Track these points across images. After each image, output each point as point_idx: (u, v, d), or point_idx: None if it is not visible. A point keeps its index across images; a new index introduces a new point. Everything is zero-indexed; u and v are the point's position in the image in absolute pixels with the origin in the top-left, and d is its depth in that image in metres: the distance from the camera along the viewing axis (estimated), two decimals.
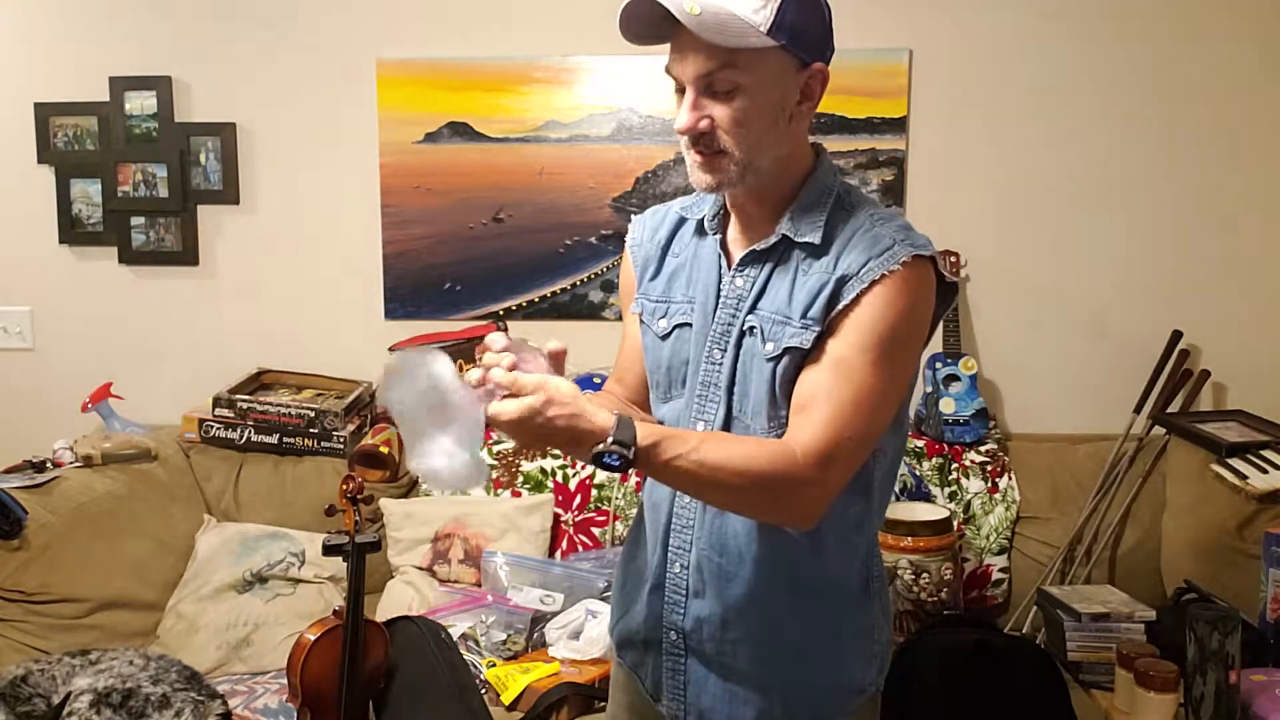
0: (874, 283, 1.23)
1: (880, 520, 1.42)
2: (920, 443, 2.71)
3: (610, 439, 1.15)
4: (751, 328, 1.31)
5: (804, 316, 1.27)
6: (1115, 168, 2.82)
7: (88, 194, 3.00)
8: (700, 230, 1.41)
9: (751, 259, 1.34)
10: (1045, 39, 2.79)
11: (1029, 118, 2.82)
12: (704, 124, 1.25)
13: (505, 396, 1.15)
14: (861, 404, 1.23)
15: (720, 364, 1.34)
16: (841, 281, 1.26)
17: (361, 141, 2.93)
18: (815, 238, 1.29)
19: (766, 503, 1.24)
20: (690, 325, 1.38)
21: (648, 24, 1.24)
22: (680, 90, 1.28)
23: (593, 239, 2.93)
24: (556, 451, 2.43)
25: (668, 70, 1.29)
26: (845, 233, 1.29)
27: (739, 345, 1.32)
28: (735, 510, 1.30)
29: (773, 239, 1.32)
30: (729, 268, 1.36)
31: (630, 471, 1.19)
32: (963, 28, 2.81)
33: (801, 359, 1.27)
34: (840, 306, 1.25)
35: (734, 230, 1.38)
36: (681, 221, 1.45)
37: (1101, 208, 2.83)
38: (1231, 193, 2.80)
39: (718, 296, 1.35)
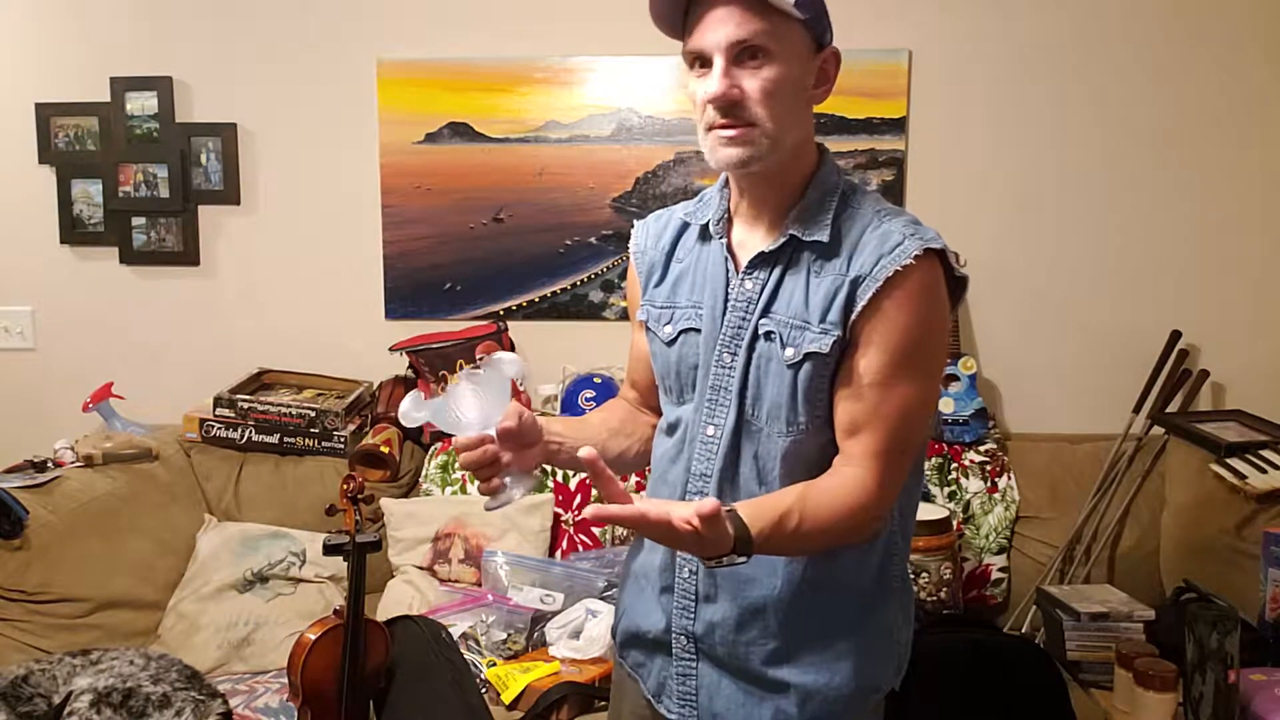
0: (888, 280, 1.23)
1: (906, 522, 1.39)
2: None
3: (731, 549, 1.14)
4: (768, 332, 1.30)
5: (823, 321, 1.26)
6: (1114, 167, 2.82)
7: (89, 194, 3.00)
8: (704, 235, 1.40)
9: (760, 261, 1.32)
10: (1045, 39, 2.79)
11: (1028, 118, 2.82)
12: (735, 92, 1.23)
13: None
14: (909, 417, 1.25)
15: (731, 368, 1.32)
16: (856, 283, 1.25)
17: (362, 141, 2.93)
18: (823, 236, 1.28)
19: (846, 537, 1.28)
20: (697, 330, 1.36)
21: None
22: (703, 66, 1.26)
23: (593, 239, 2.93)
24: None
25: (689, 48, 1.27)
26: (854, 231, 1.28)
27: (751, 349, 1.31)
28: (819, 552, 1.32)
29: (781, 240, 1.31)
30: (737, 271, 1.34)
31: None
32: (963, 28, 2.81)
33: (822, 364, 1.26)
34: (859, 309, 1.24)
35: (739, 233, 1.37)
36: (685, 226, 1.44)
37: (1101, 207, 2.83)
38: (1231, 193, 2.81)
39: (726, 300, 1.34)
